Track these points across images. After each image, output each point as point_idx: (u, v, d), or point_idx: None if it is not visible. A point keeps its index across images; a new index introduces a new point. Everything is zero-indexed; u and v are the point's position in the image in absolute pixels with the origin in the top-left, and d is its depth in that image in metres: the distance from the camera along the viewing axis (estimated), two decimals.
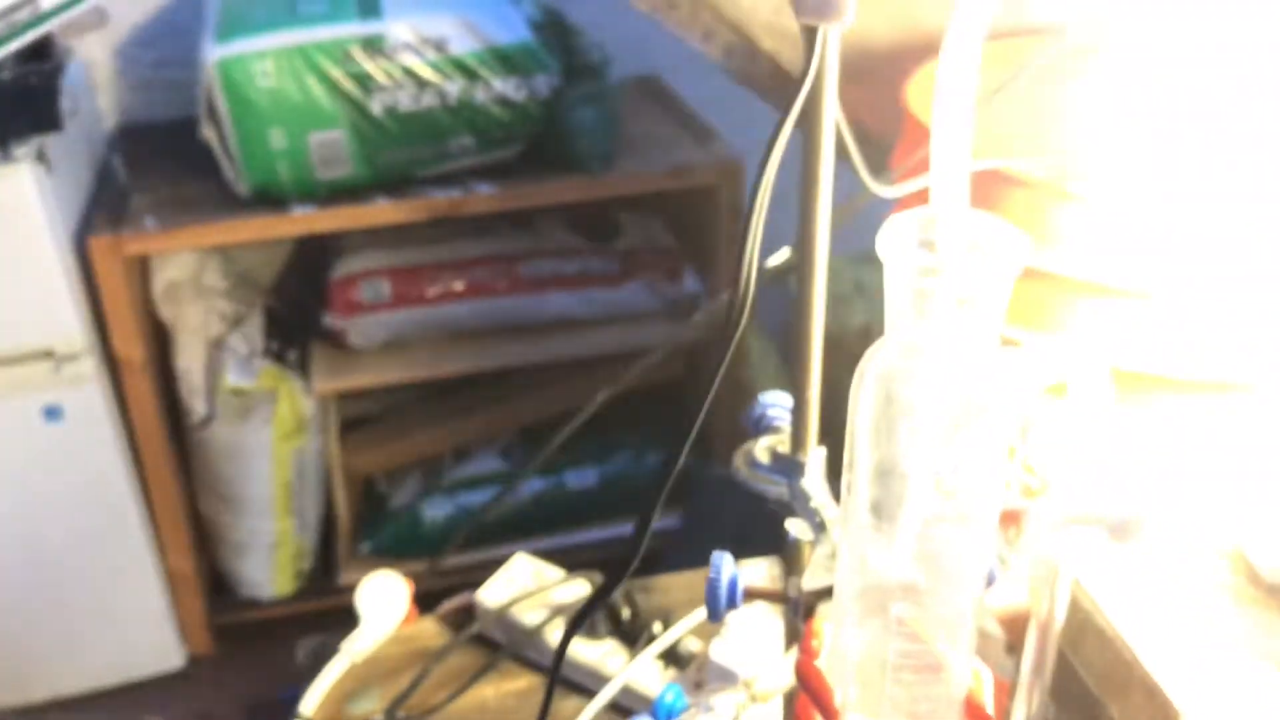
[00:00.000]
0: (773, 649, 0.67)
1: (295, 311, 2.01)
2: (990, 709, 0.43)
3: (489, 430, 2.17)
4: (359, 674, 0.93)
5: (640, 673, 0.87)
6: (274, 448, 1.92)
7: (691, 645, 0.90)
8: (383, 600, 0.94)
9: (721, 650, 0.82)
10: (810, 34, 0.41)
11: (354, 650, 0.91)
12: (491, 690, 0.92)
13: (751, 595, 0.48)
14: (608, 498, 2.14)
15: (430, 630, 0.98)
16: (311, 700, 0.89)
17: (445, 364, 1.96)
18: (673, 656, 0.89)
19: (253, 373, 1.89)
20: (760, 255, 0.56)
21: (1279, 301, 0.62)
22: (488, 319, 1.96)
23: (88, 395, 1.75)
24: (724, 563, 0.48)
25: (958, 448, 0.38)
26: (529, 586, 0.96)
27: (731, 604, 0.48)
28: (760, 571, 0.99)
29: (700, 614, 0.90)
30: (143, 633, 1.96)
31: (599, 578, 0.96)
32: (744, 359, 2.11)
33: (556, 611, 0.94)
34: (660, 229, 2.11)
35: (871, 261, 0.74)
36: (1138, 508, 0.35)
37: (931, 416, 0.38)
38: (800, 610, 0.47)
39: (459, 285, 1.93)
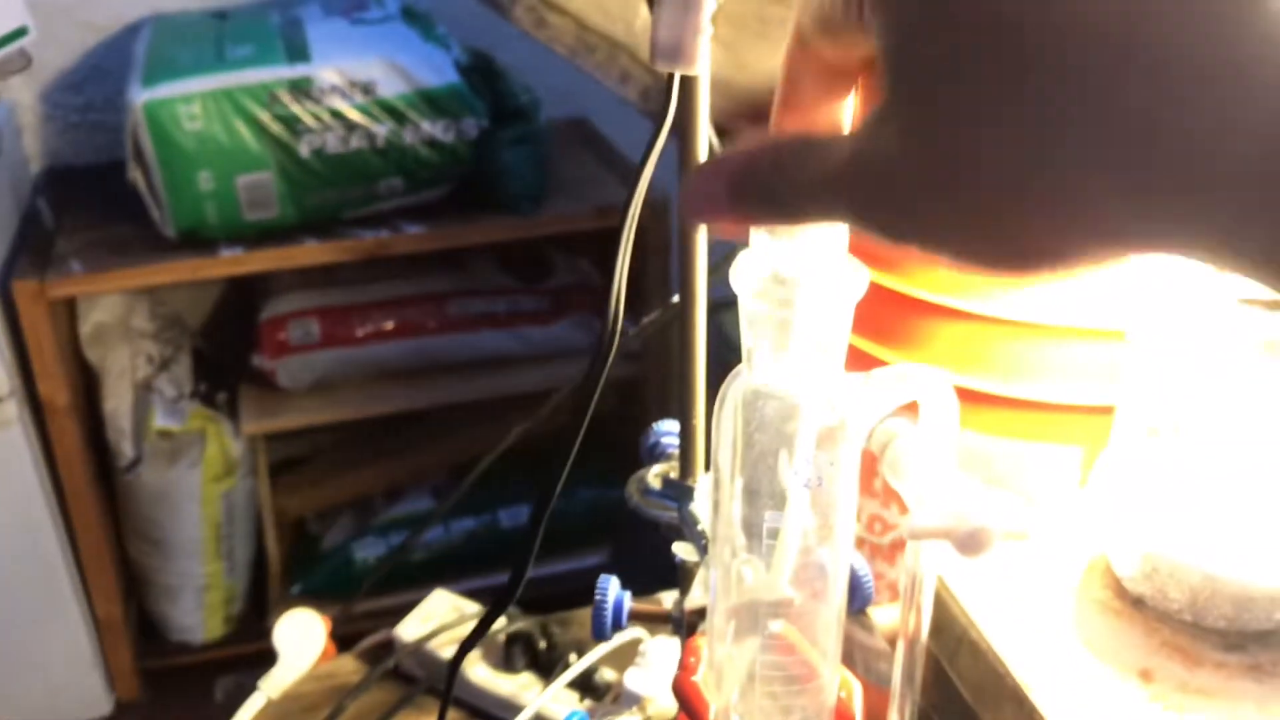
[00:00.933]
0: None
1: (224, 353, 2.00)
2: (859, 717, 0.45)
3: (421, 470, 2.17)
4: (276, 712, 0.93)
5: (555, 703, 0.88)
6: (203, 490, 1.91)
7: (608, 675, 0.91)
8: (300, 638, 0.95)
9: (636, 679, 0.84)
10: (669, 79, 0.44)
11: (271, 688, 0.92)
12: None
13: (637, 616, 0.50)
14: (541, 536, 2.14)
15: (349, 666, 0.98)
16: None
17: (375, 404, 1.97)
18: (589, 687, 0.90)
19: (181, 415, 1.88)
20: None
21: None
22: (418, 358, 1.97)
23: (11, 439, 1.73)
24: (610, 585, 0.50)
25: (818, 468, 0.40)
26: (447, 621, 0.97)
27: (617, 625, 0.49)
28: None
29: (613, 644, 0.92)
30: (70, 679, 1.93)
31: (517, 611, 0.97)
32: (671, 392, 2.14)
33: (473, 644, 0.94)
34: (590, 267, 2.13)
35: None
36: (983, 522, 0.37)
37: (792, 438, 0.40)
38: (684, 629, 0.49)
39: (388, 325, 1.94)
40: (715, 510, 0.43)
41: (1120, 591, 0.54)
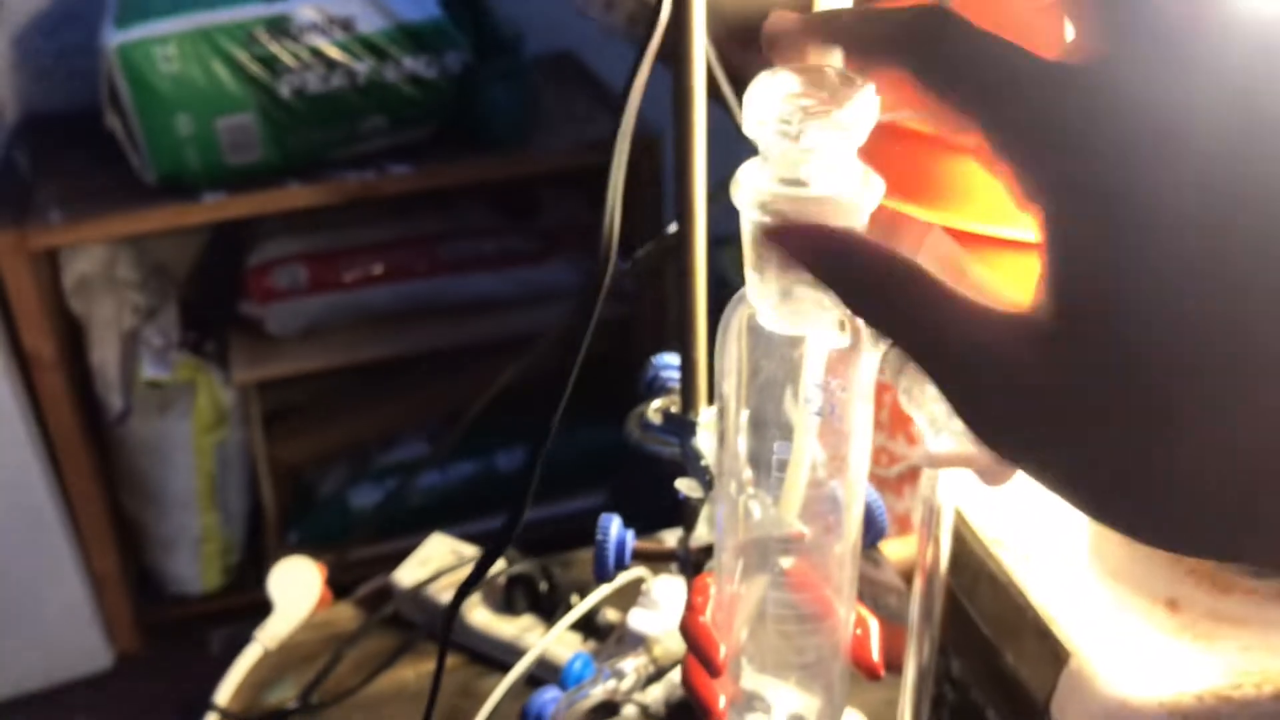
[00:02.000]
0: None
1: (211, 301, 1.97)
2: (876, 655, 0.43)
3: (415, 415, 2.15)
4: (274, 662, 0.91)
5: (557, 645, 0.87)
6: (195, 441, 1.89)
7: (611, 616, 0.89)
8: (295, 586, 0.93)
9: (639, 619, 0.82)
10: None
11: (267, 638, 0.90)
12: (411, 672, 0.91)
13: (640, 555, 0.48)
14: (540, 477, 2.12)
15: (346, 614, 0.97)
16: (226, 690, 0.88)
17: (366, 349, 1.94)
18: (591, 628, 0.88)
19: (169, 365, 1.85)
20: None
21: None
22: (408, 302, 1.94)
23: None
24: (612, 524, 0.47)
25: (829, 394, 0.37)
26: (445, 565, 0.95)
27: (620, 565, 0.47)
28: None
29: (616, 584, 0.90)
30: (68, 634, 1.92)
31: (516, 554, 0.95)
32: (666, 332, 2.12)
33: (469, 589, 0.92)
34: (580, 206, 2.10)
35: None
36: None
37: (800, 363, 0.38)
38: (690, 567, 0.47)
39: (377, 269, 1.90)
40: (721, 443, 0.40)
41: None
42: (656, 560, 0.48)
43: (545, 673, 0.86)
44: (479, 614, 0.92)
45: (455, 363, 2.08)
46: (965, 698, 0.62)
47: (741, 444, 0.41)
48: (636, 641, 0.81)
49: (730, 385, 0.39)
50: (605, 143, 0.45)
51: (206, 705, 0.87)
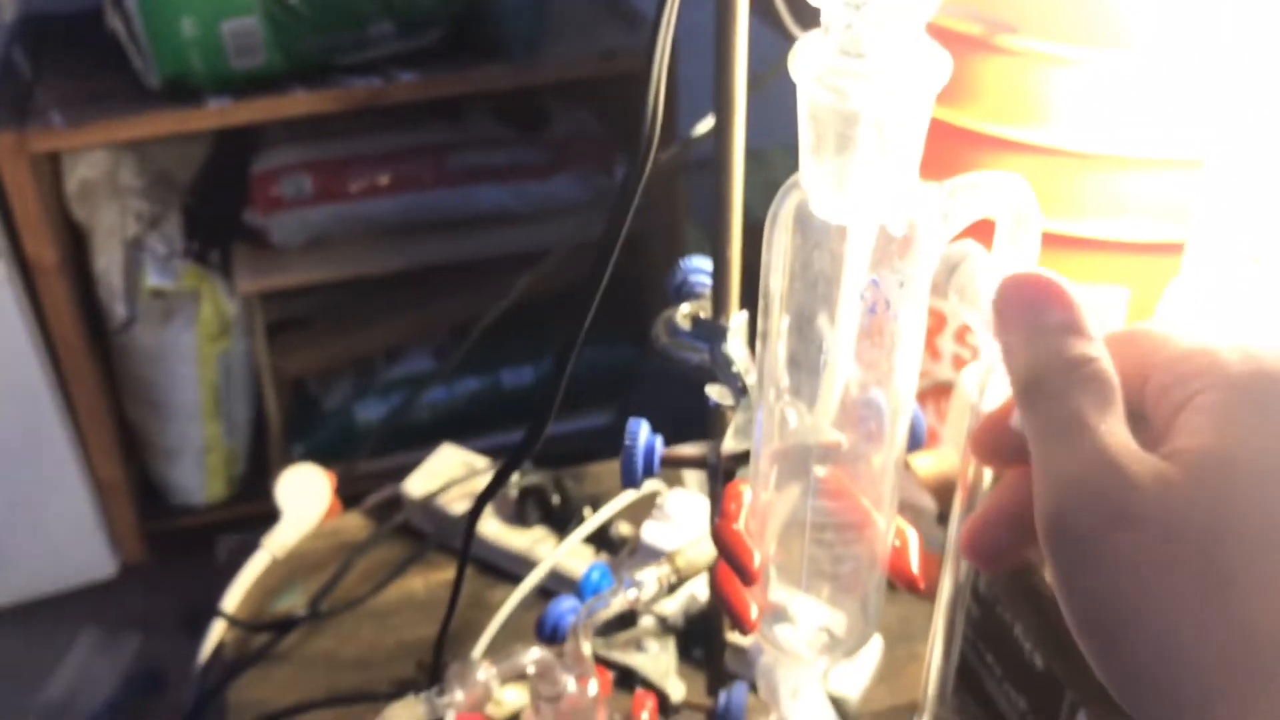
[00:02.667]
0: (703, 532, 0.65)
1: (215, 210, 1.94)
2: (916, 566, 0.42)
3: (421, 330, 2.12)
4: (282, 570, 0.90)
5: (570, 557, 0.86)
6: (199, 350, 1.87)
7: (624, 529, 0.88)
8: (303, 494, 0.92)
9: (653, 532, 0.81)
10: None
11: (274, 545, 0.89)
12: (420, 581, 0.90)
13: (669, 461, 0.46)
14: (544, 396, 2.08)
15: (355, 524, 0.96)
16: (233, 598, 0.87)
17: (371, 262, 1.91)
18: (604, 541, 0.87)
19: (173, 273, 1.83)
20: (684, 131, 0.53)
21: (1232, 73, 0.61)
22: (414, 214, 1.91)
23: (0, 300, 1.68)
24: (640, 429, 0.46)
25: (883, 290, 0.35)
26: (455, 476, 0.93)
27: (648, 471, 0.45)
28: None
29: (629, 497, 0.89)
30: (73, 541, 1.92)
31: (529, 466, 0.93)
32: (681, 250, 2.09)
33: (481, 500, 0.91)
34: (591, 118, 2.06)
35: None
36: None
37: (851, 259, 0.36)
38: (720, 475, 0.45)
39: (383, 179, 1.87)
40: (763, 344, 0.38)
41: None
42: (685, 467, 0.47)
43: (557, 585, 0.86)
44: (490, 525, 0.90)
45: (461, 277, 2.06)
46: (990, 613, 0.61)
47: (784, 346, 0.39)
48: (650, 554, 0.80)
49: (776, 281, 0.36)
50: (619, 51, 0.42)
51: (213, 613, 0.86)
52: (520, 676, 0.52)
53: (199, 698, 0.83)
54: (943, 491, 0.57)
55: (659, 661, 0.57)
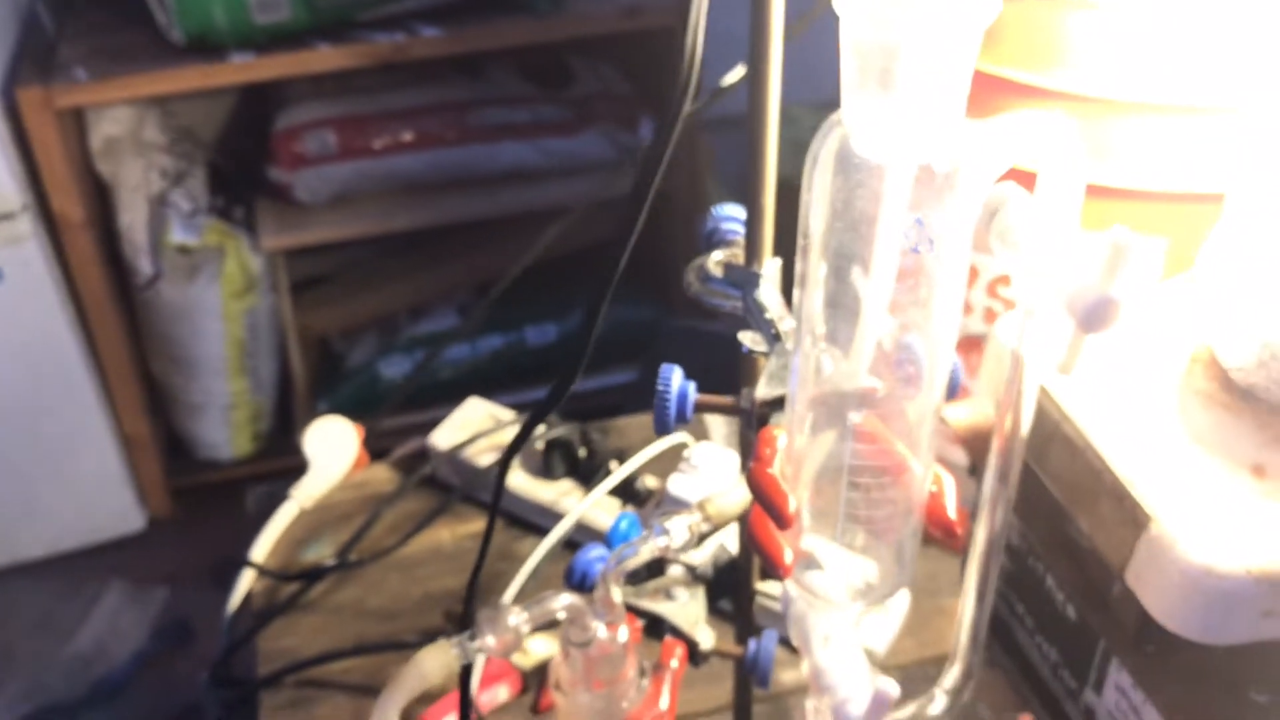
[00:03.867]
0: (731, 482, 0.65)
1: (239, 166, 1.94)
2: (953, 513, 0.41)
3: (445, 287, 2.12)
4: (310, 520, 0.91)
5: (596, 509, 0.86)
6: (224, 307, 1.88)
7: (650, 483, 0.88)
8: (331, 445, 0.92)
9: (679, 484, 0.81)
10: None
11: (303, 496, 0.89)
12: (447, 533, 0.91)
13: (702, 407, 0.46)
14: (567, 353, 2.11)
15: (382, 476, 0.96)
16: (262, 547, 0.87)
17: (395, 219, 1.91)
18: (630, 494, 0.88)
19: (197, 229, 1.83)
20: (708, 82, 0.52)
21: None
22: (438, 171, 1.90)
23: (27, 255, 1.69)
24: (673, 375, 0.45)
25: (924, 231, 0.35)
26: (482, 429, 0.93)
27: (681, 417, 0.45)
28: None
29: (656, 449, 0.89)
30: (101, 496, 1.94)
31: (555, 419, 0.93)
32: (703, 207, 2.07)
33: (508, 453, 0.91)
34: (615, 75, 2.04)
35: (827, 111, 0.69)
36: (1110, 292, 0.32)
37: (891, 198, 0.35)
38: (754, 421, 0.45)
39: (407, 135, 1.86)
40: (802, 287, 0.38)
41: (1227, 384, 0.50)
42: (718, 413, 0.46)
43: (583, 537, 0.86)
44: (517, 477, 0.91)
45: (485, 234, 2.05)
46: (1022, 565, 0.60)
47: (820, 289, 0.38)
48: (677, 507, 0.80)
49: (816, 220, 0.36)
50: (644, 8, 0.42)
51: (242, 563, 0.87)
52: (550, 624, 0.52)
53: (228, 646, 0.84)
54: (975, 444, 0.57)
55: (688, 610, 0.57)
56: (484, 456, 0.92)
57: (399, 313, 2.12)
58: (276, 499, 0.91)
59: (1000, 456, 0.43)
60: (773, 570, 0.40)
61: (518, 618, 0.49)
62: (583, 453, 0.90)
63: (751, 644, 0.56)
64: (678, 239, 2.04)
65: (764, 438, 0.41)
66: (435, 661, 0.48)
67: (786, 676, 0.78)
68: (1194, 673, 0.47)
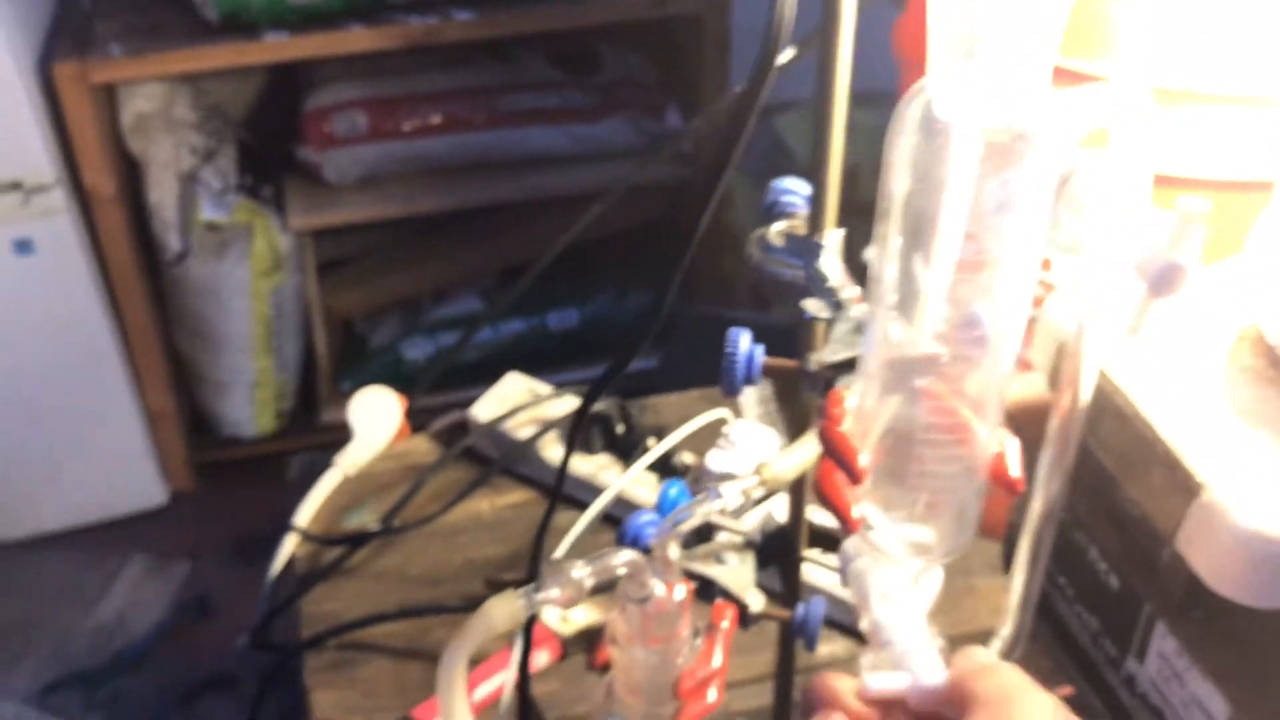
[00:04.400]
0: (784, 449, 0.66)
1: (269, 145, 1.96)
2: (1016, 471, 0.43)
3: (469, 271, 2.14)
4: (352, 488, 0.93)
5: (635, 483, 0.87)
6: (251, 285, 1.89)
7: (687, 459, 0.90)
8: (375, 415, 0.93)
9: (717, 460, 0.82)
10: None
11: (347, 464, 0.91)
12: (486, 503, 0.92)
13: (769, 371, 0.47)
14: (589, 339, 2.13)
15: (422, 447, 0.98)
16: (305, 513, 0.89)
17: (422, 201, 1.93)
18: (668, 470, 0.89)
19: (227, 207, 1.85)
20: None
21: None
22: (466, 154, 1.92)
23: (58, 228, 1.71)
24: (740, 337, 0.47)
25: (1002, 195, 0.36)
26: (521, 402, 0.95)
27: (748, 378, 0.47)
28: (750, 393, 0.99)
29: (694, 425, 0.90)
30: (124, 469, 1.96)
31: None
32: (728, 201, 2.08)
33: (549, 426, 0.93)
34: (642, 63, 2.05)
35: (863, 104, 0.71)
36: (1178, 257, 0.34)
37: (966, 162, 0.37)
38: (819, 384, 0.46)
39: (436, 118, 1.88)
40: (880, 248, 0.39)
41: (1275, 360, 0.51)
42: (784, 376, 0.48)
43: (621, 511, 0.87)
44: (555, 451, 0.92)
45: (508, 219, 2.07)
46: (1065, 537, 0.62)
47: (895, 252, 0.40)
48: (714, 479, 0.81)
49: (896, 182, 0.37)
50: None
51: (262, 544, 0.88)
52: (607, 582, 0.53)
53: (269, 610, 0.85)
54: (1023, 419, 0.58)
55: (738, 574, 0.59)
56: (523, 430, 0.94)
57: (422, 295, 2.13)
58: (319, 467, 0.93)
59: (1062, 426, 0.45)
60: (841, 523, 0.41)
61: (581, 571, 0.51)
62: (621, 428, 0.91)
63: (800, 608, 0.58)
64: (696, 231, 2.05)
65: (833, 398, 0.43)
66: (503, 611, 0.49)
67: (823, 649, 0.79)
68: (1241, 638, 0.49)
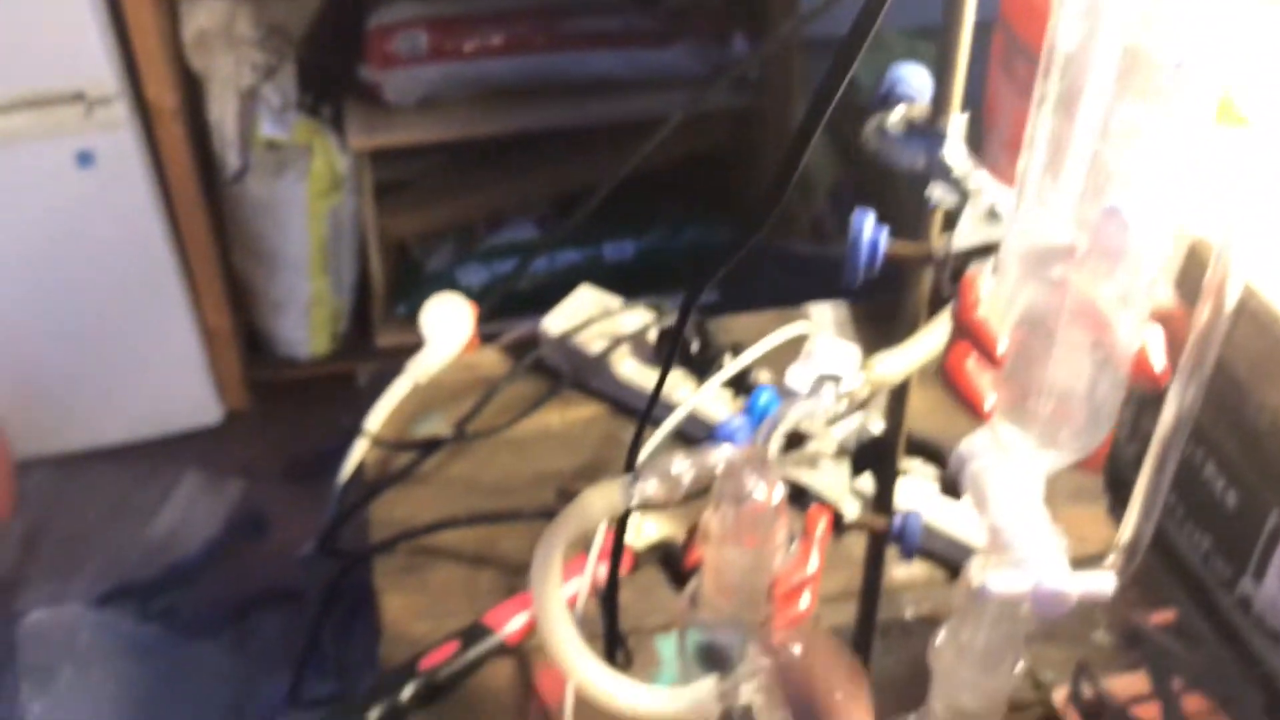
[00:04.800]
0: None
1: (329, 64, 1.93)
2: (1158, 366, 0.40)
3: (525, 198, 2.12)
4: (422, 397, 0.91)
5: (709, 401, 0.86)
6: (309, 204, 1.88)
7: (764, 377, 0.87)
8: (447, 323, 0.92)
9: (798, 376, 0.81)
10: None
11: (418, 371, 0.90)
12: (557, 416, 0.91)
13: (894, 258, 0.45)
14: (644, 270, 2.10)
15: (492, 359, 0.96)
16: (376, 419, 0.88)
17: (482, 124, 1.90)
18: (744, 387, 0.87)
19: (286, 125, 1.83)
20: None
21: None
22: (526, 77, 1.89)
23: (120, 141, 1.70)
24: (865, 220, 0.44)
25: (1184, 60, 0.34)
26: (593, 316, 0.93)
27: (871, 265, 0.44)
28: (826, 314, 0.97)
29: (776, 340, 0.88)
30: (180, 386, 1.96)
31: (668, 303, 0.93)
32: (789, 133, 2.05)
33: (621, 340, 0.91)
34: None
35: (928, 36, 0.67)
36: None
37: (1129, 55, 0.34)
38: (948, 270, 0.44)
39: (497, 39, 1.85)
40: (1035, 111, 0.37)
41: None
42: (910, 264, 0.46)
43: (695, 429, 0.85)
44: (627, 366, 0.91)
45: (566, 146, 2.04)
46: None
47: (1046, 122, 0.37)
48: (793, 395, 0.79)
49: (1062, 40, 0.35)
50: None
51: (313, 463, 0.88)
52: (703, 480, 0.51)
53: (337, 515, 0.85)
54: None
55: (834, 480, 0.57)
56: (595, 343, 0.92)
57: (477, 222, 2.11)
58: (388, 377, 0.92)
59: (1199, 337, 0.42)
60: (973, 412, 0.39)
61: (680, 466, 0.49)
62: (696, 345, 0.89)
63: (898, 517, 0.56)
64: (764, 161, 2.02)
65: (967, 284, 0.41)
66: (601, 501, 0.48)
67: (900, 573, 0.78)
68: None
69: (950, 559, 0.77)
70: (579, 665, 0.48)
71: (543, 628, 0.48)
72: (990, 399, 0.39)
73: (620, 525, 0.58)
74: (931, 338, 0.48)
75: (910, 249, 0.45)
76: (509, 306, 1.90)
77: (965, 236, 0.44)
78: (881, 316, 0.98)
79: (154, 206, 1.77)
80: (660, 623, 0.75)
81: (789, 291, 1.13)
